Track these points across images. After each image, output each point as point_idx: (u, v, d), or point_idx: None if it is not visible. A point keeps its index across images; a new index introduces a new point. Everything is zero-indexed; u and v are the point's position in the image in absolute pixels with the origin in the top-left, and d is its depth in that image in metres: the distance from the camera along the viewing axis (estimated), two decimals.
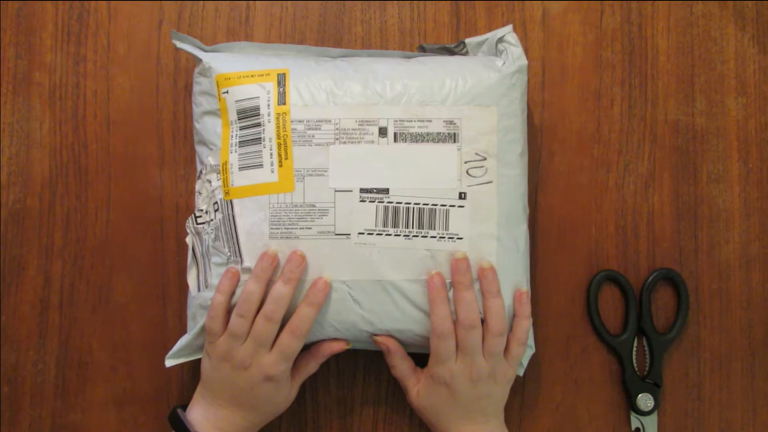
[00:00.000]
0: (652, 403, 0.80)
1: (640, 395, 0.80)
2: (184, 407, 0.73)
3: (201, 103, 0.74)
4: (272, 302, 0.69)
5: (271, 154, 0.70)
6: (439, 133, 0.71)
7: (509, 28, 0.75)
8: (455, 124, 0.71)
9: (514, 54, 0.74)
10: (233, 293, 0.70)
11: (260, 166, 0.70)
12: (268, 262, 0.69)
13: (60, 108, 0.82)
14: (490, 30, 0.79)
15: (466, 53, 0.78)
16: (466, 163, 0.71)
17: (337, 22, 0.83)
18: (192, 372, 0.81)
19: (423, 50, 0.80)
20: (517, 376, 0.75)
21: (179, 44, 0.75)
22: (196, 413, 0.72)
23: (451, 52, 0.79)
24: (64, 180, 0.81)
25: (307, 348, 0.74)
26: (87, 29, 0.82)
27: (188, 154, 0.81)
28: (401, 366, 0.74)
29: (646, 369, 0.81)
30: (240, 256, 0.71)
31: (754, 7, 0.84)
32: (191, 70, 0.79)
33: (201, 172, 0.74)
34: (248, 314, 0.69)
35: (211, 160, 0.73)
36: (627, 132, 0.83)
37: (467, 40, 0.77)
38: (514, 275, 0.73)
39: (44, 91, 0.82)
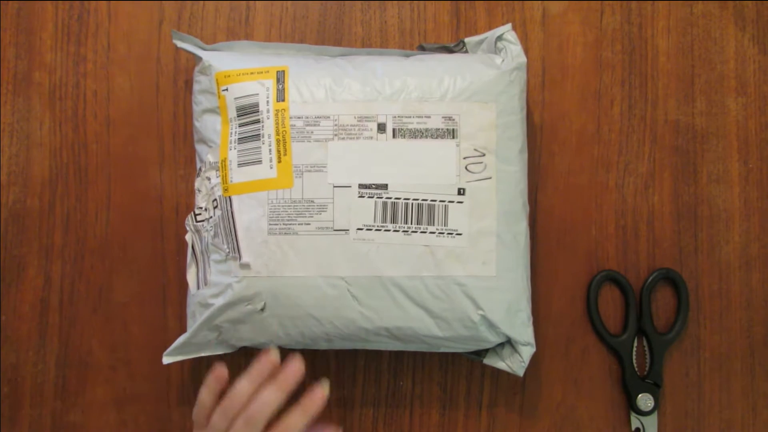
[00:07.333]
0: (652, 403, 0.80)
1: (640, 395, 0.80)
2: None
3: (201, 101, 0.74)
4: (259, 404, 0.65)
5: (270, 151, 0.70)
6: (437, 129, 0.71)
7: (508, 26, 0.75)
8: (454, 120, 0.71)
9: (513, 52, 0.74)
10: (221, 392, 0.67)
11: (259, 162, 0.71)
12: (267, 366, 0.66)
13: (60, 108, 0.82)
14: (490, 30, 0.79)
15: (465, 52, 0.78)
16: (464, 158, 0.71)
17: (337, 22, 0.83)
18: (192, 371, 0.81)
19: (423, 50, 0.80)
20: (518, 377, 0.75)
21: (180, 44, 0.75)
22: None
23: (450, 51, 0.79)
24: (64, 180, 0.81)
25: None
26: (87, 29, 0.82)
27: (188, 154, 0.82)
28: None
29: (646, 369, 0.81)
30: (238, 252, 0.70)
31: (754, 7, 0.84)
32: (191, 69, 0.79)
33: (200, 169, 0.74)
34: (232, 413, 0.66)
35: (210, 158, 0.73)
36: (627, 132, 0.83)
37: (467, 40, 0.78)
38: (513, 272, 0.73)
39: (44, 91, 0.82)
